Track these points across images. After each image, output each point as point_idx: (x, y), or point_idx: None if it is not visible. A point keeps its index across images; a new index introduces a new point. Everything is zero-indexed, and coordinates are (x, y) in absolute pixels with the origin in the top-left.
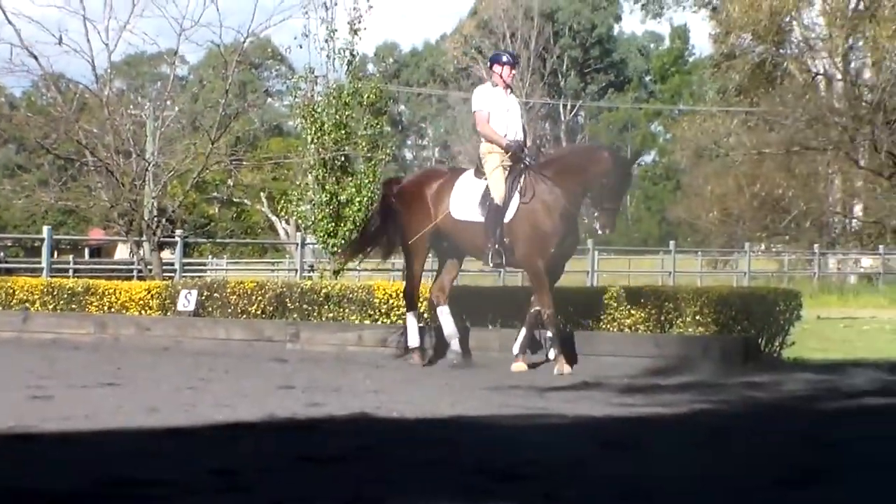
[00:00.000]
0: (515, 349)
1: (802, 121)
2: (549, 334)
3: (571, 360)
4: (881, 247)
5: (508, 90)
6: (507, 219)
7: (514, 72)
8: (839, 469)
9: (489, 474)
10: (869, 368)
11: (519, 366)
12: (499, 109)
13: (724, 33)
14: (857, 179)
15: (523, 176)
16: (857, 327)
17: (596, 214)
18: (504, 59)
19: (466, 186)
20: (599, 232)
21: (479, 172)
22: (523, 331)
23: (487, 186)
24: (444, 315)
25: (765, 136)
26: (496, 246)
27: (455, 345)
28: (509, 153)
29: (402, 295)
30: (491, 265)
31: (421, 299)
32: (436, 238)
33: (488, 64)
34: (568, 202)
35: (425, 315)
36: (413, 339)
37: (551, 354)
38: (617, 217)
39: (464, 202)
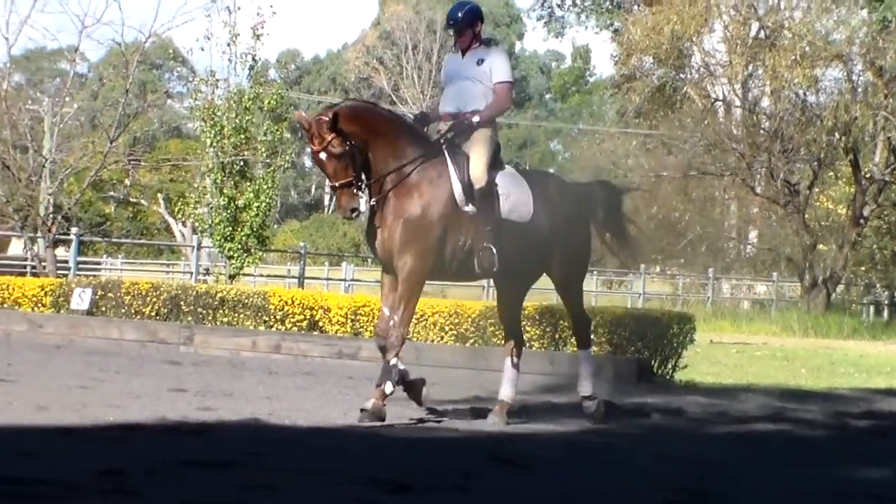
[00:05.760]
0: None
1: (701, 145)
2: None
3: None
4: (774, 274)
5: (462, 53)
6: None
7: (467, 32)
8: (726, 493)
9: (378, 485)
10: (759, 394)
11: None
12: (453, 77)
13: (625, 55)
14: (752, 206)
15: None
16: (748, 353)
17: None
18: (450, 22)
19: None
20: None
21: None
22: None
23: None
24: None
25: (663, 158)
26: None
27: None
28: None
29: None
30: None
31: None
32: None
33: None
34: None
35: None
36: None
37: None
38: None
39: None
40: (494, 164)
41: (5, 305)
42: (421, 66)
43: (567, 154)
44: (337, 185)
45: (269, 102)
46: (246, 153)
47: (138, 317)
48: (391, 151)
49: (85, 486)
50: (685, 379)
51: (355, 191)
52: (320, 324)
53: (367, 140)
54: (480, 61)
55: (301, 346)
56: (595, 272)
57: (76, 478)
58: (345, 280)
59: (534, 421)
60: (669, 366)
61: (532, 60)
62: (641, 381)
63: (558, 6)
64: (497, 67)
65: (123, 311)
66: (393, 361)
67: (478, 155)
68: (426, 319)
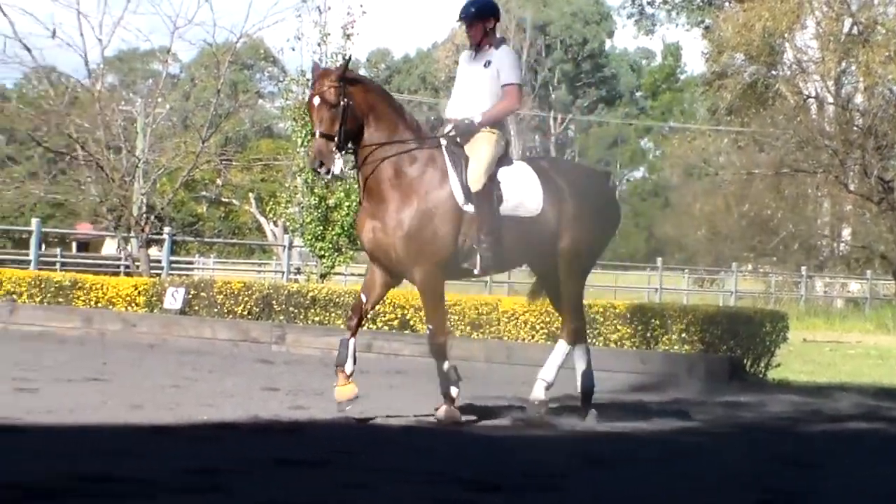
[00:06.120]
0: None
1: (793, 143)
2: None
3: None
4: (868, 272)
5: (475, 51)
6: None
7: (477, 26)
8: (819, 493)
9: (469, 484)
10: (853, 393)
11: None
12: (461, 79)
13: (716, 52)
14: (846, 203)
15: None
16: (842, 351)
17: None
18: (461, 15)
19: None
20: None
21: None
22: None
23: None
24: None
25: (754, 156)
26: None
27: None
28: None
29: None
30: None
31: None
32: None
33: None
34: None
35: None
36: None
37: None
38: None
39: None
40: (500, 163)
41: (100, 305)
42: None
43: (658, 152)
44: (318, 132)
45: None
46: None
47: (230, 316)
48: (387, 131)
49: (177, 484)
50: (778, 377)
51: (334, 149)
52: (411, 323)
53: (366, 113)
54: (487, 63)
55: (392, 345)
56: (687, 270)
57: (169, 476)
58: None
59: (624, 420)
60: (762, 364)
61: (622, 58)
62: (734, 380)
63: (649, 4)
64: (504, 69)
65: (216, 310)
66: (446, 367)
67: (478, 158)
68: (517, 318)
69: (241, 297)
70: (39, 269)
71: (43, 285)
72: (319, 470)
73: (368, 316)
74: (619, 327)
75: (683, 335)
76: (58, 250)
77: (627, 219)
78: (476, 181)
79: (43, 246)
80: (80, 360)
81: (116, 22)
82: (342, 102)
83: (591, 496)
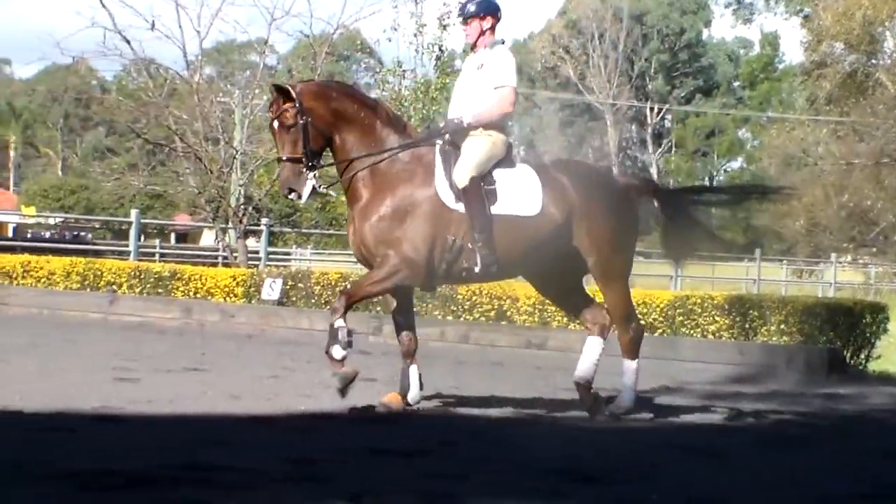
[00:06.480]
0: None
1: (893, 132)
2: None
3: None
4: None
5: (474, 51)
6: None
7: (473, 24)
8: None
9: (566, 475)
10: None
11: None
12: (458, 82)
13: (815, 41)
14: None
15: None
16: None
17: None
18: (459, 12)
19: None
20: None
21: None
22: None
23: None
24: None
25: (854, 146)
26: None
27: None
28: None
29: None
30: None
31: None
32: None
33: None
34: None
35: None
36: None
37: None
38: None
39: None
40: (500, 166)
41: (198, 296)
42: (608, 54)
43: (756, 142)
44: (283, 158)
45: None
46: None
47: (327, 307)
48: (365, 138)
49: (277, 473)
50: (878, 369)
51: (304, 170)
52: (508, 314)
53: (333, 123)
54: (481, 66)
55: (489, 336)
56: (785, 261)
57: (268, 465)
58: None
59: (721, 411)
60: (862, 356)
61: (720, 48)
62: (833, 372)
63: None
64: (497, 71)
65: (313, 301)
66: (338, 323)
67: (467, 156)
68: None
69: (338, 288)
70: (139, 260)
71: (142, 276)
72: (415, 460)
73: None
74: (716, 318)
75: (782, 326)
76: (157, 241)
77: (724, 209)
78: (462, 179)
79: (142, 237)
80: (179, 350)
81: (214, 14)
82: (300, 121)
83: (684, 488)
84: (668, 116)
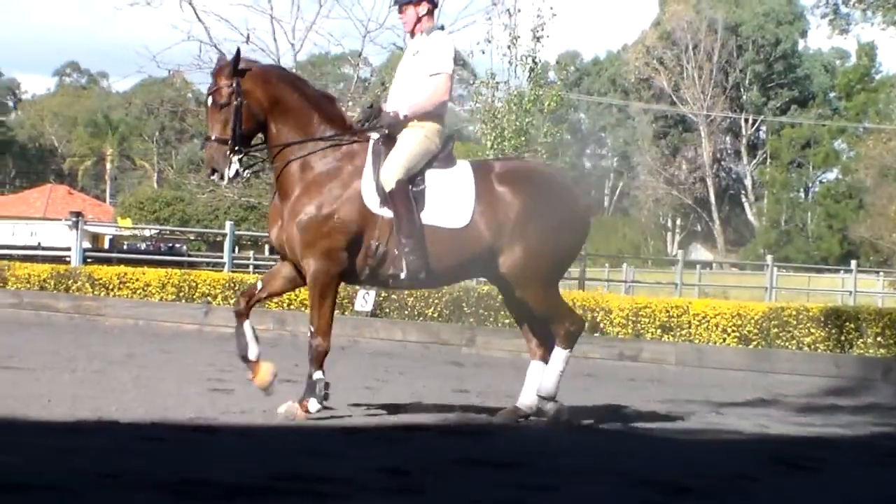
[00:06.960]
0: None
1: None
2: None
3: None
4: None
5: (412, 37)
6: None
7: (408, 11)
8: None
9: (657, 486)
10: None
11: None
12: (398, 71)
13: None
14: None
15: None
16: None
17: None
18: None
19: None
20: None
21: None
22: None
23: None
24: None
25: None
26: None
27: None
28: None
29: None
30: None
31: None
32: None
33: None
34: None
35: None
36: None
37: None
38: None
39: None
40: (436, 163)
41: (292, 308)
42: (702, 65)
43: (851, 153)
44: (211, 136)
45: (548, 104)
46: (526, 155)
47: (421, 318)
48: (300, 130)
49: (371, 483)
50: None
51: (229, 154)
52: (601, 325)
53: (268, 108)
54: (416, 53)
55: (582, 347)
56: (882, 273)
57: (361, 475)
58: (625, 282)
59: (817, 423)
60: None
61: (816, 58)
62: None
63: (843, 3)
64: (432, 58)
65: (406, 312)
66: (316, 375)
67: (395, 154)
68: (708, 321)
69: (431, 300)
70: (233, 272)
71: (237, 287)
72: (508, 471)
73: (258, 304)
74: (812, 330)
75: (879, 339)
76: (251, 253)
77: (821, 220)
78: (389, 180)
79: (236, 248)
80: (272, 361)
81: (309, 26)
82: (234, 102)
83: (780, 501)
84: (763, 127)
